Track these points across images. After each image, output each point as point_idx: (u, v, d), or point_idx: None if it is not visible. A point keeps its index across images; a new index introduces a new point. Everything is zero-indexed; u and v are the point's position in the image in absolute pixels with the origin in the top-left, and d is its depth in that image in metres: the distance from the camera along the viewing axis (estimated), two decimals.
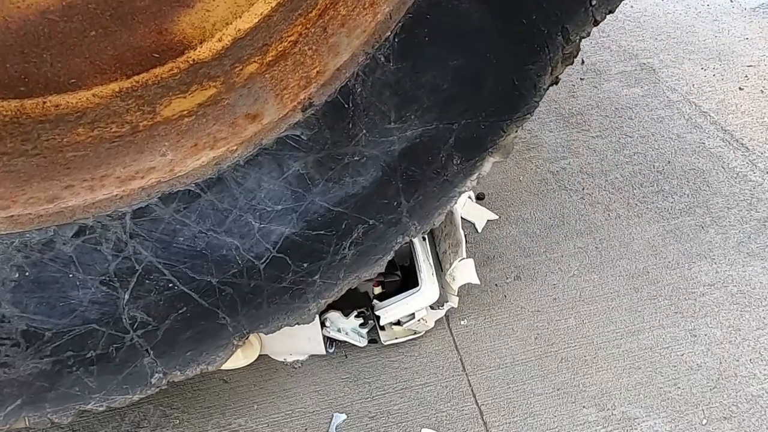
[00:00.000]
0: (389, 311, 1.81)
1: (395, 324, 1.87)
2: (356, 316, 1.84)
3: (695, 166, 2.57)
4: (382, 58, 1.39)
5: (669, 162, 2.60)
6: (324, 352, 1.87)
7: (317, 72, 1.42)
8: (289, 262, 1.49)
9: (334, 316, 1.83)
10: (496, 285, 2.10)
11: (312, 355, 1.90)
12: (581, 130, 2.81)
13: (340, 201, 1.47)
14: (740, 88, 3.02)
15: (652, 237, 2.26)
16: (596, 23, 1.56)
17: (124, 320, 1.43)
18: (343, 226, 1.50)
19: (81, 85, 1.47)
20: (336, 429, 1.72)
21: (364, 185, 1.48)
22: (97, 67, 1.46)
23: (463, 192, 1.58)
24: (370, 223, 1.51)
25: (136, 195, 1.36)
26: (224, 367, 1.81)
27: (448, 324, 1.98)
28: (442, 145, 1.51)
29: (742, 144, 2.66)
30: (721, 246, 2.22)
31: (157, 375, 1.50)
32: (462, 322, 1.98)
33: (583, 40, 1.55)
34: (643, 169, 2.57)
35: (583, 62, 3.26)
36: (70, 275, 1.36)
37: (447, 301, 1.90)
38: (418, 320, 1.84)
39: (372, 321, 1.87)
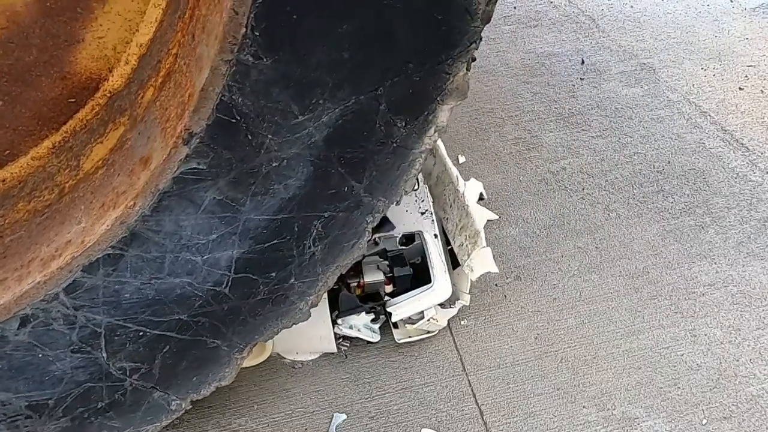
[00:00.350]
0: (401, 308, 1.81)
1: (408, 323, 1.87)
2: (367, 312, 1.84)
3: (695, 166, 2.57)
4: (250, 58, 1.23)
5: (669, 162, 2.60)
6: (335, 350, 1.87)
7: (189, 95, 1.30)
8: (254, 277, 1.46)
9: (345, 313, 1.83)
10: (496, 285, 2.10)
11: (311, 355, 1.90)
12: (581, 130, 2.81)
13: (279, 208, 1.41)
14: (740, 88, 3.01)
15: (652, 237, 2.26)
16: None
17: (114, 373, 1.45)
18: (297, 228, 1.44)
19: (17, 153, 1.46)
20: (336, 429, 1.72)
21: (299, 185, 1.40)
22: (23, 131, 1.45)
23: (426, 150, 1.44)
24: (326, 215, 1.45)
25: (58, 275, 1.34)
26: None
27: (449, 324, 1.97)
28: (373, 115, 1.36)
29: (742, 144, 2.66)
30: (721, 246, 2.22)
31: (174, 402, 1.53)
32: (462, 322, 1.98)
33: None
34: (643, 169, 2.57)
35: (583, 62, 3.26)
36: (40, 355, 1.39)
37: (459, 299, 1.90)
38: (428, 320, 1.84)
39: (383, 316, 1.87)
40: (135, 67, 1.49)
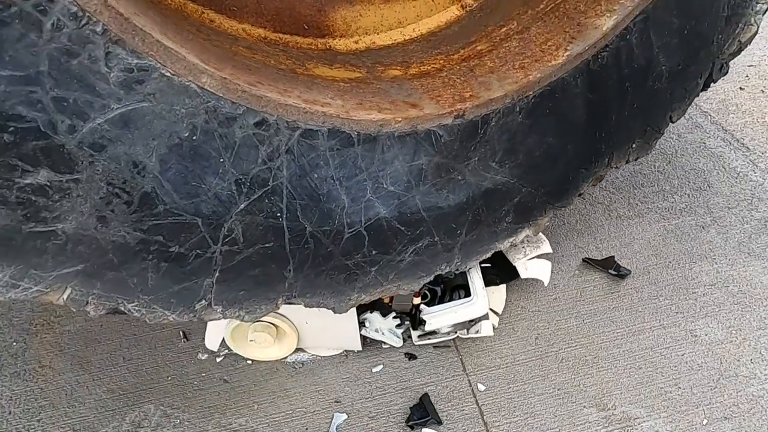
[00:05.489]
0: (436, 317, 1.81)
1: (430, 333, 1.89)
2: (393, 317, 1.85)
3: (696, 166, 2.57)
4: (518, 109, 1.54)
5: (669, 162, 2.60)
6: (360, 348, 1.87)
7: (470, 95, 1.51)
8: (365, 243, 1.53)
9: (372, 316, 1.84)
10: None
11: (312, 355, 1.89)
12: None
13: (429, 207, 1.55)
14: (741, 88, 3.01)
15: (652, 237, 2.26)
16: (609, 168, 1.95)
17: (224, 228, 1.38)
18: (418, 232, 1.56)
19: (237, 17, 1.63)
20: (336, 429, 1.72)
21: (450, 204, 1.58)
22: (255, 9, 1.62)
23: (503, 244, 1.78)
24: (435, 239, 1.61)
25: (314, 117, 1.36)
26: (264, 358, 1.87)
27: None
28: (507, 200, 1.68)
29: (742, 144, 2.66)
30: (721, 246, 2.21)
31: (203, 302, 1.47)
32: None
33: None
34: (644, 169, 2.57)
35: None
36: (221, 160, 1.33)
37: (488, 318, 1.90)
38: (457, 335, 1.86)
39: (407, 322, 1.88)
40: (361, 49, 1.69)
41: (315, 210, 1.45)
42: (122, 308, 1.36)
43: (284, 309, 1.72)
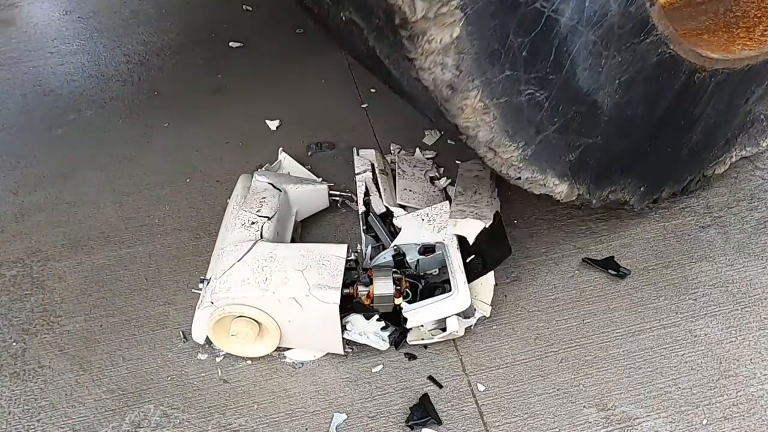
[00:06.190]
0: (418, 314, 1.80)
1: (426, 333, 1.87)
2: (378, 319, 1.83)
3: None
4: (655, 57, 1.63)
5: None
6: (342, 352, 1.86)
7: None
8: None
9: (355, 319, 1.82)
10: (495, 285, 2.09)
11: (312, 356, 1.90)
12: None
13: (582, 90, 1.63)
14: None
15: (652, 237, 2.26)
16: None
17: None
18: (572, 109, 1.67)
19: None
20: (336, 429, 1.72)
21: (579, 83, 1.61)
22: None
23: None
24: (549, 131, 1.68)
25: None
26: (244, 354, 1.85)
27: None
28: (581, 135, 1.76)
29: None
30: (721, 246, 2.21)
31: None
32: None
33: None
34: None
35: None
36: None
37: (476, 309, 1.89)
38: (449, 333, 1.82)
39: (392, 325, 1.87)
40: None
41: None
42: None
43: (268, 306, 1.72)
